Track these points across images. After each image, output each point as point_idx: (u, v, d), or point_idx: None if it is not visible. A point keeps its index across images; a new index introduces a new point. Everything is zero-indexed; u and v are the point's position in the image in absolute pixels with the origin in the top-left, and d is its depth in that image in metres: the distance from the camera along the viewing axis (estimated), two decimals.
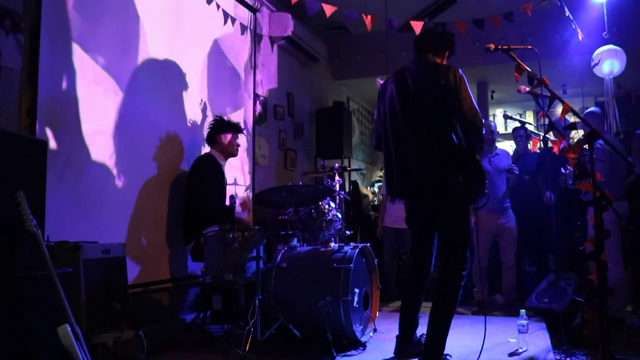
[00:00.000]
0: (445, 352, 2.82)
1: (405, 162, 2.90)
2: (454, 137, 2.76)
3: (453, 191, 2.78)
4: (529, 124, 4.90)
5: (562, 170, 4.28)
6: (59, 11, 3.12)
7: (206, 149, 4.20)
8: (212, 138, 4.07)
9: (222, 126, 4.07)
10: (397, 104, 2.92)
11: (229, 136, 4.05)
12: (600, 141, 3.19)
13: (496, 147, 4.91)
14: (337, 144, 6.57)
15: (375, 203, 7.15)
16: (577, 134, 5.18)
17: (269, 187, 4.58)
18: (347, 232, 3.87)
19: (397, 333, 3.06)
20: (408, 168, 2.88)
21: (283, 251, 3.53)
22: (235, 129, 4.11)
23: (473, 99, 2.80)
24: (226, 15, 4.80)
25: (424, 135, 2.82)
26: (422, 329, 3.07)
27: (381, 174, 6.34)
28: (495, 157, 4.79)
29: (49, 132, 3.03)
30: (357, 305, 3.31)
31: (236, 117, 4.83)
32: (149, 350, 2.72)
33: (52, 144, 3.02)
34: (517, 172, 4.76)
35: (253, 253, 3.28)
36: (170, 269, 3.98)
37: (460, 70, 2.82)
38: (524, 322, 3.19)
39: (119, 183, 3.53)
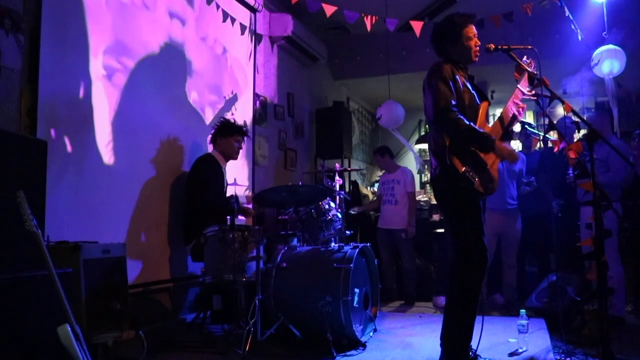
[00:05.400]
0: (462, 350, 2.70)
1: None
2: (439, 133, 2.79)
3: (436, 182, 2.85)
4: (529, 124, 4.90)
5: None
6: (59, 11, 3.12)
7: (206, 149, 4.20)
8: (215, 139, 4.07)
9: (225, 129, 4.07)
10: None
11: (230, 139, 4.05)
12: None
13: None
14: (337, 144, 6.56)
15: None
16: (577, 135, 5.17)
17: (269, 187, 4.58)
18: (347, 232, 3.86)
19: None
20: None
21: (283, 251, 3.53)
22: (239, 132, 4.11)
23: (439, 89, 2.68)
24: (226, 15, 4.80)
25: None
26: (421, 329, 3.07)
27: (381, 173, 6.33)
28: None
29: (49, 132, 3.03)
30: (357, 305, 3.31)
31: (236, 117, 4.83)
32: (149, 350, 2.73)
33: (52, 144, 3.01)
34: (536, 185, 4.75)
35: (253, 253, 3.28)
36: (170, 269, 3.98)
37: (436, 65, 2.77)
38: (524, 322, 3.19)
39: (119, 183, 3.53)
